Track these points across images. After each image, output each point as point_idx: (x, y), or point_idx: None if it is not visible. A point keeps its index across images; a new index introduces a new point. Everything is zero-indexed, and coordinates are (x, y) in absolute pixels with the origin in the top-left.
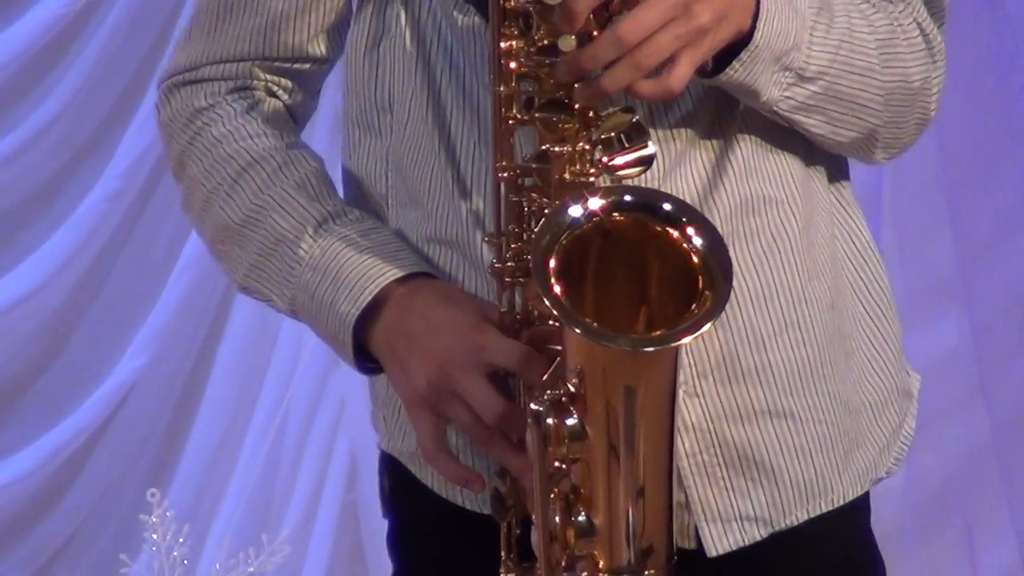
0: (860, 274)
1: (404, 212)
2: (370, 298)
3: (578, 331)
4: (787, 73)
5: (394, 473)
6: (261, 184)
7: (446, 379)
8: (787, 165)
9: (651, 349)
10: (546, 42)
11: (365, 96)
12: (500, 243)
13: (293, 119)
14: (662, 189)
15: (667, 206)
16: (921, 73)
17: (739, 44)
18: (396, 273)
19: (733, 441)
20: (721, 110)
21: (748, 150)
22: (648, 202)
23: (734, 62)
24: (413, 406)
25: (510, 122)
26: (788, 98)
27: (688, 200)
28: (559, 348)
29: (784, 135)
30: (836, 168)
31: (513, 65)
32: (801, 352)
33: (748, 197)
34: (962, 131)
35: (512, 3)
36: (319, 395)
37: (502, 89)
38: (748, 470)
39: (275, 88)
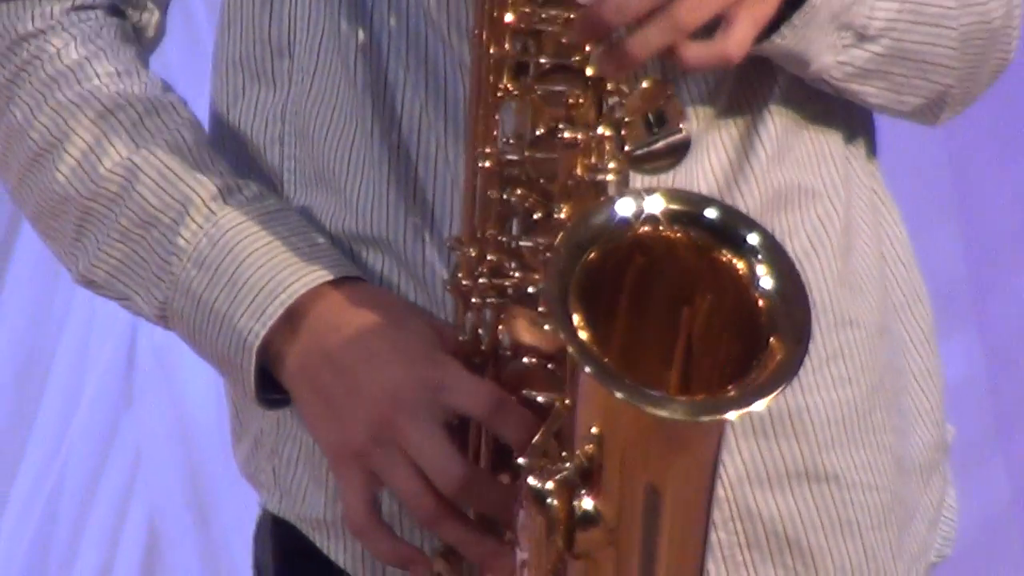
0: (904, 288)
1: (309, 194)
2: (281, 311)
3: (603, 383)
4: (845, 33)
5: (284, 545)
6: (118, 143)
7: (389, 428)
8: (826, 144)
9: (703, 419)
10: None
11: (255, 32)
12: (469, 252)
13: (141, 43)
14: (676, 177)
15: (742, 230)
16: (1002, 5)
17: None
18: (318, 276)
19: (760, 512)
20: (747, 75)
21: (780, 126)
22: (719, 222)
23: (783, 28)
24: (341, 460)
25: (498, 94)
26: (844, 63)
27: (707, 191)
28: (545, 396)
29: (824, 102)
30: (871, 144)
31: (509, 17)
32: (846, 392)
33: (781, 187)
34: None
35: None
36: (107, 444)
37: (492, 50)
38: (779, 552)
39: (121, 5)
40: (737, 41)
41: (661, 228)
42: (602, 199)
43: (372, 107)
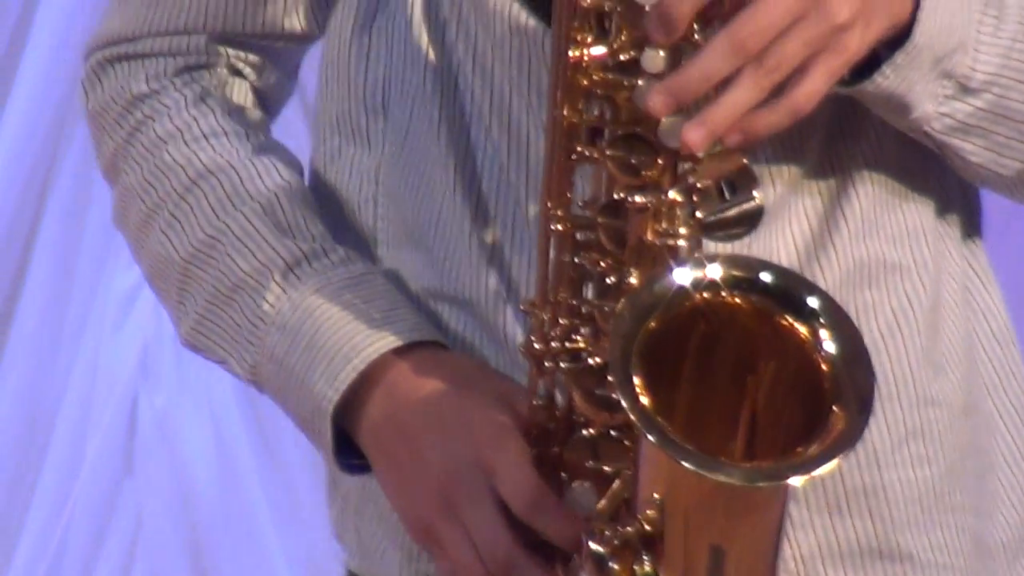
0: (996, 367)
1: (400, 254)
2: (355, 375)
3: (664, 449)
4: (947, 83)
5: None
6: (216, 205)
7: (450, 502)
8: (918, 218)
9: (765, 485)
10: (630, 56)
11: (351, 91)
12: (542, 315)
13: (263, 106)
14: (753, 246)
15: (803, 294)
16: None
17: (889, 41)
18: (391, 341)
19: None
20: (835, 136)
21: (870, 196)
22: (779, 286)
23: (884, 66)
24: (418, 533)
25: (572, 157)
26: (945, 115)
27: (787, 263)
28: (610, 466)
29: (917, 173)
30: (970, 220)
31: (585, 82)
32: (924, 472)
33: (865, 261)
34: None
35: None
36: (109, 510)
37: (566, 113)
38: None
39: (239, 65)
40: (807, 93)
41: (722, 294)
42: (663, 266)
43: (456, 167)
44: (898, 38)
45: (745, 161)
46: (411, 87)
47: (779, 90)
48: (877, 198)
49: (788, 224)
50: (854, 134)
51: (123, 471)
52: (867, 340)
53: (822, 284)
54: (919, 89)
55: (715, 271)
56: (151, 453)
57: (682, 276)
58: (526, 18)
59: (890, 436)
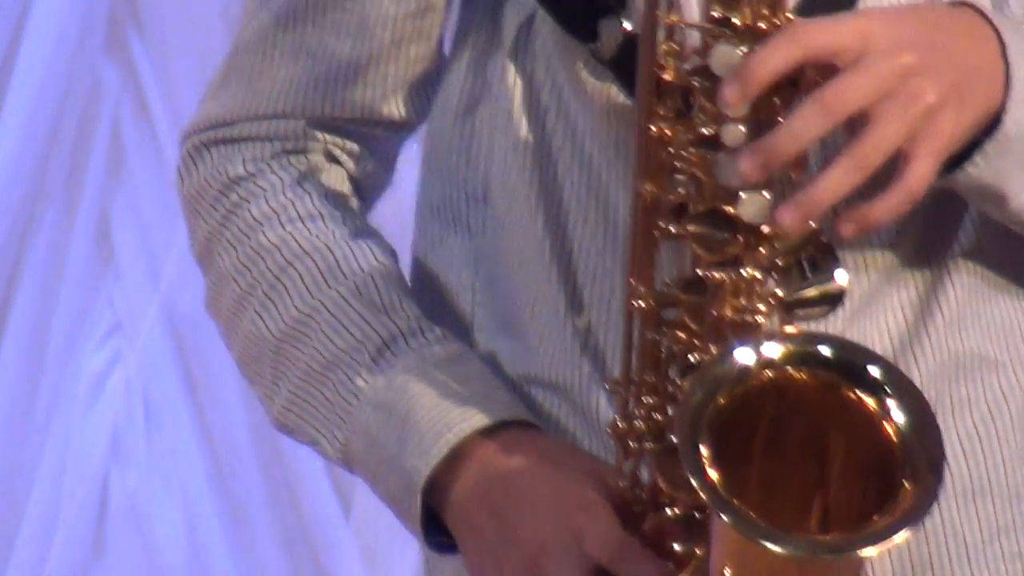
0: None
1: (495, 339)
2: (446, 450)
3: (733, 524)
4: None
5: None
6: (311, 285)
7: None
8: (1014, 312)
9: (832, 557)
10: (713, 130)
11: (452, 178)
12: (626, 394)
13: (359, 194)
14: (847, 336)
15: (867, 366)
16: None
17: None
18: (481, 419)
19: None
20: (932, 225)
21: (965, 288)
22: (841, 358)
23: (975, 156)
24: None
25: (654, 234)
26: None
27: (880, 353)
28: (698, 546)
29: (1013, 265)
30: None
31: (667, 158)
32: (1015, 567)
33: (960, 355)
34: None
35: (670, 74)
36: None
37: (648, 188)
38: None
39: (336, 152)
40: (919, 176)
41: (788, 370)
42: (733, 343)
43: (552, 253)
44: (992, 126)
45: (826, 240)
46: (511, 174)
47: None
48: (972, 290)
49: (882, 314)
50: (951, 224)
51: (93, 553)
52: (961, 435)
53: (916, 377)
54: (1016, 179)
55: (781, 347)
56: (122, 534)
57: (745, 354)
58: (623, 99)
59: (982, 531)
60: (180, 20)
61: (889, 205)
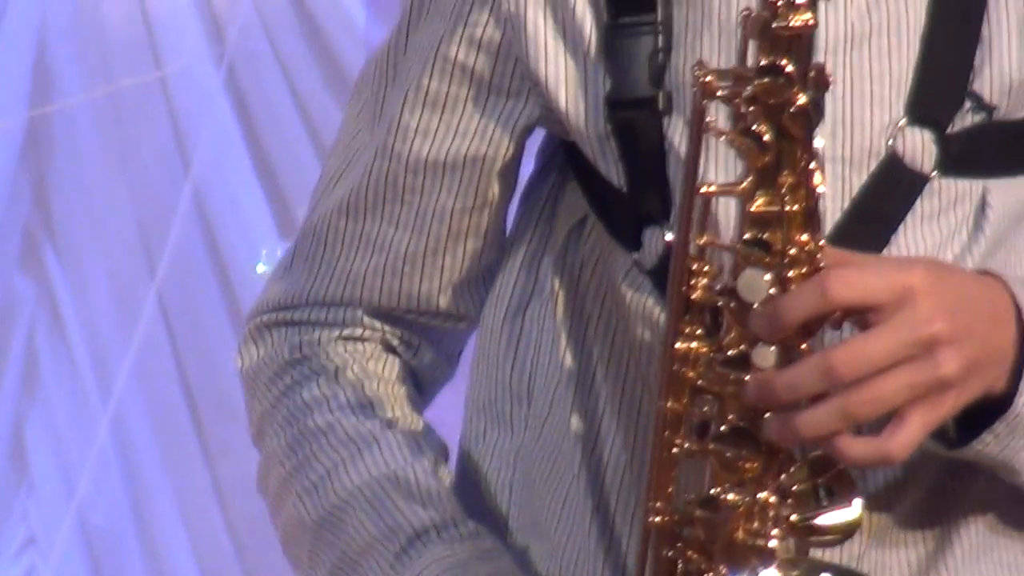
0: None
1: (526, 540)
2: None
3: None
4: None
5: None
6: (352, 472)
7: None
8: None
9: None
10: (737, 351)
11: (499, 376)
12: None
13: (417, 385)
14: (860, 566)
15: None
16: None
17: (990, 403)
18: None
19: None
20: (945, 475)
21: (976, 534)
22: None
23: (984, 434)
24: None
25: (674, 450)
26: None
27: None
28: None
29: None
30: None
31: (690, 375)
32: None
33: None
34: None
35: (698, 293)
36: None
37: (670, 405)
38: None
39: (394, 342)
40: (902, 442)
41: None
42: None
43: (582, 458)
44: (999, 403)
45: (843, 468)
46: (553, 377)
47: (874, 426)
48: (984, 536)
49: (892, 557)
50: (964, 477)
51: None
52: None
53: None
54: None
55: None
56: None
57: None
58: (659, 312)
59: None
60: (94, 233)
61: (858, 453)
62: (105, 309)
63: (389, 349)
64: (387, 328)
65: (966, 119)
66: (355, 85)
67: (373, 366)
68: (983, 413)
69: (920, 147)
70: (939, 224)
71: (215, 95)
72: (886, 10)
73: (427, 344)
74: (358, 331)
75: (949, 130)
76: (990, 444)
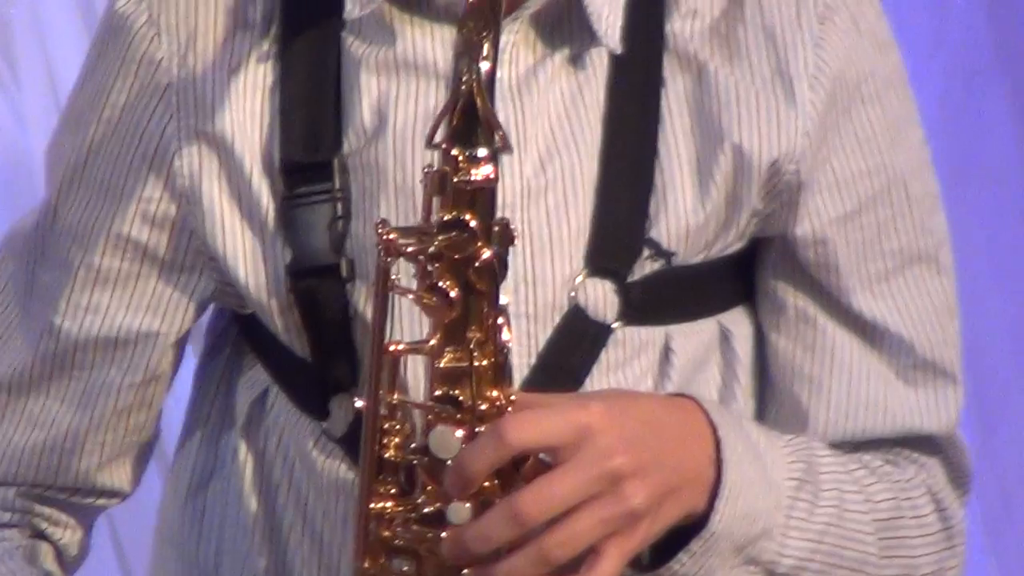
0: None
1: None
2: None
3: None
4: (754, 568)
5: None
6: None
7: None
8: None
9: None
10: (433, 508)
11: (186, 553)
12: None
13: (62, 567)
14: None
15: None
16: (932, 563)
17: (689, 521)
18: None
19: None
20: None
21: None
22: None
23: (680, 554)
24: None
25: None
26: None
27: None
28: None
29: None
30: None
31: (386, 534)
32: None
33: None
34: None
35: (391, 452)
36: None
37: (367, 565)
38: None
39: (44, 525)
40: (603, 574)
41: None
42: None
43: None
44: (698, 523)
45: None
46: (242, 551)
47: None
48: None
49: None
50: None
51: None
52: None
53: None
54: (720, 572)
55: None
56: None
57: None
58: (353, 476)
59: None
60: None
61: None
62: None
63: (39, 534)
64: (40, 509)
65: (646, 267)
66: None
67: (20, 554)
68: (680, 533)
69: (602, 298)
70: (624, 373)
71: None
72: (559, 164)
73: (77, 524)
74: (5, 516)
75: (629, 279)
76: (686, 564)
